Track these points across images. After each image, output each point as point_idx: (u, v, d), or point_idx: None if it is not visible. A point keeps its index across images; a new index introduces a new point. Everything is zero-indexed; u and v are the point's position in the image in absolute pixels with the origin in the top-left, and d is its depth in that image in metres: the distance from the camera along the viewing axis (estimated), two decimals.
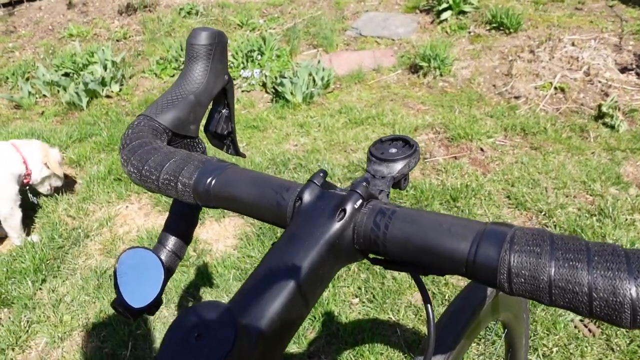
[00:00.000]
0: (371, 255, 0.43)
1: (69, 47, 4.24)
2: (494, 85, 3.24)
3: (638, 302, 0.29)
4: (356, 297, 1.91)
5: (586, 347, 1.64)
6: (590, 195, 2.26)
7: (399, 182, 0.51)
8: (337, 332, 1.77)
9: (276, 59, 3.73)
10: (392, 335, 1.74)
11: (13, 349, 1.88)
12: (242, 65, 3.71)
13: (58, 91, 3.60)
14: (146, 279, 0.59)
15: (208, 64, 0.61)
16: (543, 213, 2.17)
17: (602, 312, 0.31)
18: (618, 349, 1.64)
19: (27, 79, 3.87)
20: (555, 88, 3.07)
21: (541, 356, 1.63)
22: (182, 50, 3.92)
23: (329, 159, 2.64)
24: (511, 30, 3.72)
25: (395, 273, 1.95)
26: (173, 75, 3.86)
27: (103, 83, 3.59)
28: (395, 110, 3.06)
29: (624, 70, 3.19)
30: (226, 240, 2.24)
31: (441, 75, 3.37)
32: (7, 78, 3.96)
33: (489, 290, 0.81)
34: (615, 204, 2.16)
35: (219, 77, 0.62)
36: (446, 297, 1.82)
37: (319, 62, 3.44)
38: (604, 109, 2.78)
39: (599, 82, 3.06)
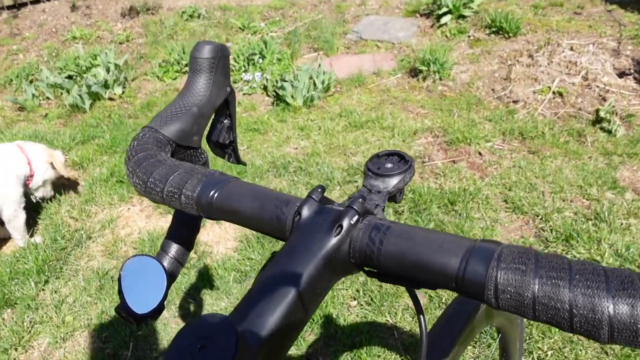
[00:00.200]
0: (366, 268, 0.44)
1: (72, 50, 4.27)
2: (492, 90, 3.26)
3: (615, 319, 0.31)
4: (354, 299, 1.94)
5: (580, 350, 1.67)
6: (587, 200, 2.28)
7: (394, 196, 0.53)
8: (335, 334, 1.80)
9: (277, 63, 3.76)
10: (389, 338, 1.77)
11: (16, 349, 1.91)
12: (243, 68, 3.74)
13: (61, 93, 3.63)
14: (149, 285, 0.60)
15: (211, 76, 0.63)
16: (540, 217, 2.20)
17: (582, 328, 0.33)
18: (612, 352, 1.66)
19: (31, 82, 3.91)
20: (554, 92, 3.09)
21: (536, 359, 1.66)
22: (184, 53, 3.95)
23: (329, 162, 2.67)
24: (510, 34, 3.74)
25: None
26: (175, 78, 3.89)
27: (106, 86, 3.62)
28: (395, 114, 3.09)
29: (622, 75, 3.21)
30: (227, 243, 2.27)
31: (440, 79, 3.40)
32: (12, 80, 3.99)
33: None
34: (611, 208, 2.18)
35: (221, 89, 0.64)
36: (443, 301, 1.85)
37: (319, 65, 3.47)
38: (601, 113, 2.80)
39: (597, 86, 3.08)
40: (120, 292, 0.57)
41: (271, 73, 3.62)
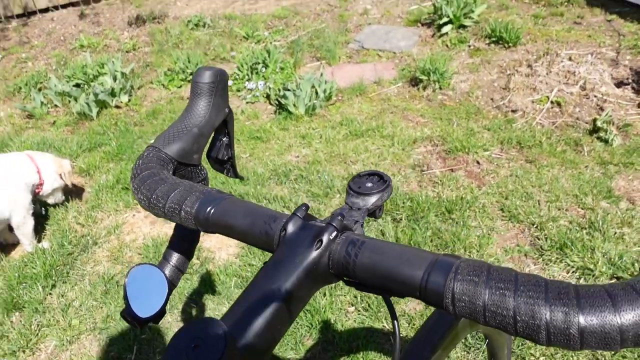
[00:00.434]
0: (345, 278, 0.49)
1: (80, 58, 4.36)
2: (491, 99, 3.31)
3: (551, 324, 0.36)
4: (352, 305, 1.99)
5: (572, 356, 1.71)
6: (582, 209, 2.33)
7: (374, 212, 0.58)
8: (332, 339, 1.85)
9: (280, 71, 3.82)
10: (385, 343, 1.82)
11: (24, 351, 1.97)
12: (246, 77, 3.81)
13: (69, 101, 3.71)
14: (152, 291, 0.66)
15: (211, 99, 0.68)
16: (535, 225, 2.24)
17: (524, 332, 0.37)
18: (603, 358, 1.70)
19: (40, 89, 3.99)
20: (552, 102, 3.14)
21: None
22: (189, 61, 4.02)
23: (329, 170, 2.72)
24: (510, 44, 3.80)
25: None
26: (180, 86, 3.96)
27: (112, 94, 3.69)
28: (395, 123, 3.14)
29: (619, 84, 3.25)
30: (228, 249, 2.33)
31: (440, 88, 3.45)
32: (20, 88, 4.08)
33: None
34: (606, 217, 2.23)
35: (220, 110, 0.70)
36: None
37: (321, 74, 3.53)
38: (598, 123, 2.85)
39: (595, 96, 3.13)
40: (125, 297, 0.63)
41: (274, 82, 3.68)
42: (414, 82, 3.57)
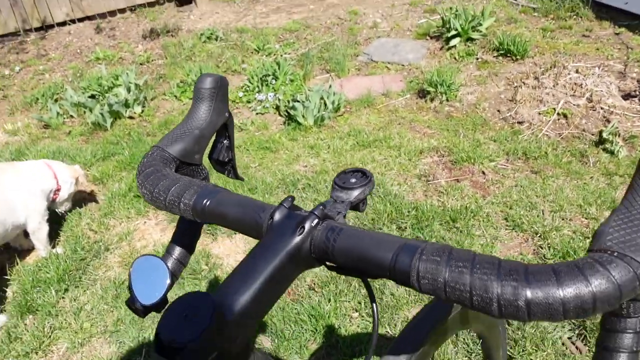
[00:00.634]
0: (328, 263, 0.55)
1: (96, 70, 4.47)
2: (498, 111, 3.35)
3: (501, 297, 0.40)
4: (356, 311, 2.02)
5: None
6: (586, 219, 2.35)
7: (357, 206, 0.63)
8: (336, 344, 1.88)
9: (290, 83, 3.89)
10: (384, 347, 1.84)
11: (37, 353, 2.03)
12: (257, 88, 3.88)
13: (84, 112, 3.80)
14: (155, 281, 0.71)
15: (211, 104, 0.74)
16: (538, 235, 2.27)
17: (479, 305, 0.41)
18: None
19: (56, 100, 4.10)
20: (558, 114, 3.17)
21: None
22: (201, 74, 4.10)
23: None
24: (518, 56, 3.84)
25: (394, 290, 2.05)
26: (192, 98, 4.04)
27: (126, 105, 3.78)
28: (402, 134, 3.19)
29: (627, 97, 3.28)
30: (236, 256, 2.38)
31: (447, 100, 3.50)
32: (37, 99, 4.19)
33: None
34: None
35: (220, 114, 0.76)
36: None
37: (330, 86, 3.60)
38: (604, 134, 2.87)
39: (602, 108, 3.15)
40: (130, 286, 0.68)
41: (284, 93, 3.75)
42: (422, 94, 3.62)
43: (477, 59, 3.99)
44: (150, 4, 5.93)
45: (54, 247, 2.52)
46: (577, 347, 1.80)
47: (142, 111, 3.86)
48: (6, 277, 2.39)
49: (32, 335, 2.08)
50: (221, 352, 0.44)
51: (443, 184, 2.69)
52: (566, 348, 1.79)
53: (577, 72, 3.47)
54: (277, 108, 3.69)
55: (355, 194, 0.60)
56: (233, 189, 2.75)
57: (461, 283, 0.42)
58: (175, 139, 0.72)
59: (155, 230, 2.61)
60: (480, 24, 4.14)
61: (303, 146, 3.19)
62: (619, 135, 2.87)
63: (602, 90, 3.28)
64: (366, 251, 0.48)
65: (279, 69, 3.96)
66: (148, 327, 2.07)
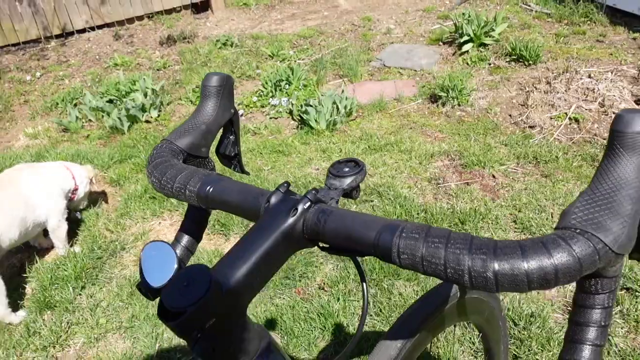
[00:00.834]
0: (320, 244, 0.59)
1: (114, 76, 4.57)
2: (510, 115, 3.37)
3: (472, 269, 0.43)
4: None
5: None
6: None
7: (350, 193, 0.67)
8: (344, 342, 1.92)
9: (303, 88, 3.95)
10: None
11: (54, 347, 2.09)
12: (271, 93, 3.95)
13: (102, 116, 3.90)
14: (163, 265, 0.75)
15: (218, 101, 0.79)
16: None
17: (452, 277, 0.45)
18: None
19: (75, 105, 4.20)
20: (570, 118, 3.18)
21: None
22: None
23: None
24: (530, 62, 3.85)
25: (402, 290, 2.09)
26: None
27: (143, 109, 3.87)
28: (413, 138, 3.22)
29: (639, 101, 3.27)
30: None
31: (459, 105, 3.52)
32: (57, 104, 4.30)
33: (453, 290, 0.95)
34: None
35: (226, 110, 0.81)
36: None
37: (342, 91, 3.65)
38: None
39: (614, 113, 3.15)
40: (140, 270, 0.73)
41: (297, 98, 3.81)
42: (433, 98, 3.65)
43: (490, 64, 4.01)
44: (168, 11, 6.05)
45: (72, 245, 2.60)
46: None
47: (159, 115, 3.94)
48: (25, 274, 2.46)
49: (50, 330, 2.14)
50: (218, 319, 0.48)
51: (453, 187, 2.71)
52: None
53: (589, 77, 3.47)
54: (291, 112, 3.75)
55: (347, 181, 0.64)
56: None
57: (437, 257, 0.46)
58: (183, 132, 0.77)
59: (170, 230, 2.67)
60: (493, 30, 4.17)
61: (315, 150, 3.24)
62: None
63: (614, 95, 3.28)
64: (353, 231, 0.52)
65: (292, 74, 4.02)
66: (161, 324, 2.12)
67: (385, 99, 3.72)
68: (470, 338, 1.86)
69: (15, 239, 2.22)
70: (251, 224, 0.59)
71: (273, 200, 0.58)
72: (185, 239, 0.82)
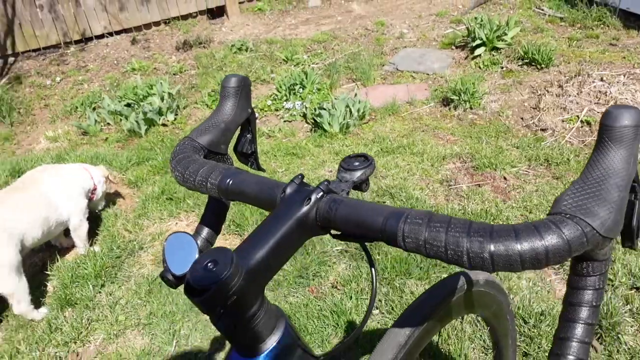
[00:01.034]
0: (333, 232, 0.64)
1: (132, 80, 4.67)
2: (521, 118, 3.39)
3: (470, 251, 0.48)
4: (376, 308, 2.09)
5: None
6: None
7: (359, 186, 0.71)
8: (356, 339, 1.96)
9: (317, 92, 4.01)
10: None
11: (75, 342, 2.16)
12: (285, 97, 4.01)
13: (120, 120, 3.99)
14: (185, 254, 0.80)
15: (236, 101, 0.84)
16: None
17: (452, 258, 0.49)
18: None
19: (94, 109, 4.30)
20: (582, 121, 3.19)
21: None
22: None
23: None
24: (542, 65, 3.87)
25: (414, 289, 2.12)
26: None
27: (160, 113, 3.96)
28: (426, 141, 3.26)
29: None
30: None
31: (471, 108, 3.55)
32: (77, 108, 4.41)
33: (460, 283, 0.99)
34: None
35: (244, 110, 0.86)
36: None
37: (355, 95, 3.70)
38: None
39: None
40: (164, 259, 0.78)
41: (310, 102, 3.87)
42: (446, 102, 3.68)
43: (502, 67, 4.04)
44: (184, 17, 6.15)
45: (91, 245, 2.67)
46: (592, 346, 1.84)
47: (175, 119, 4.03)
48: (47, 272, 2.54)
49: (71, 326, 2.21)
50: (238, 296, 0.53)
51: (464, 188, 2.74)
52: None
53: (601, 80, 3.48)
54: (304, 116, 3.80)
55: (357, 174, 0.69)
56: None
57: (438, 240, 0.50)
58: (204, 130, 0.82)
59: (187, 230, 2.74)
60: (506, 34, 4.19)
61: (329, 152, 3.29)
62: None
63: (626, 98, 3.29)
64: (362, 218, 0.57)
65: (306, 78, 4.08)
66: (179, 321, 2.18)
67: (397, 102, 3.76)
68: (481, 335, 1.89)
69: (38, 238, 2.30)
70: (266, 214, 0.63)
71: (288, 190, 0.63)
72: (205, 231, 0.87)
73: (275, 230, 0.59)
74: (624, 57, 3.90)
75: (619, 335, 1.84)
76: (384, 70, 4.40)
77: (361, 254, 2.35)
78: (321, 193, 0.61)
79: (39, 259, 2.66)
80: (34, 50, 5.50)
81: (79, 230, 2.53)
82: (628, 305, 1.95)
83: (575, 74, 3.61)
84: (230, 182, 0.70)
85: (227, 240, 2.61)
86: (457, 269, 1.75)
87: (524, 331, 1.89)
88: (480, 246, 0.48)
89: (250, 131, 0.91)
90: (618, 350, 1.80)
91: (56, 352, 2.12)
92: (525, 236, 0.47)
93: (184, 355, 2.04)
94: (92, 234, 2.72)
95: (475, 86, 3.61)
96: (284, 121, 3.81)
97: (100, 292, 2.40)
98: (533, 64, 3.94)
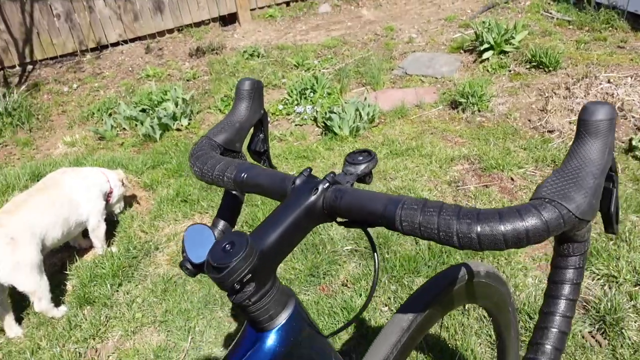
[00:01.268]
0: (338, 220, 0.70)
1: (146, 87, 4.78)
2: (529, 120, 3.43)
3: (459, 232, 0.53)
4: (386, 305, 2.15)
5: (591, 355, 1.81)
6: None
7: (363, 178, 0.78)
8: (366, 334, 2.02)
9: (327, 96, 4.08)
10: None
11: (94, 339, 2.24)
12: (296, 102, 4.08)
13: (136, 125, 4.09)
14: (203, 244, 0.86)
15: (250, 102, 0.91)
16: None
17: (444, 239, 0.55)
18: (622, 358, 1.79)
19: (110, 114, 4.41)
20: None
21: None
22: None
23: (370, 186, 2.91)
24: (550, 68, 3.91)
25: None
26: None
27: (174, 118, 4.05)
28: (434, 143, 3.31)
29: None
30: None
31: (479, 110, 3.60)
32: (93, 113, 4.52)
33: (461, 273, 1.05)
34: (633, 229, 2.30)
35: (257, 111, 0.93)
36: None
37: (365, 98, 3.76)
38: (634, 142, 2.92)
39: (633, 117, 3.19)
40: (183, 249, 0.84)
41: (321, 106, 3.94)
42: (454, 105, 3.73)
43: (510, 71, 4.08)
44: (197, 24, 6.26)
45: (109, 245, 2.76)
46: (597, 341, 1.88)
47: (189, 124, 4.12)
48: (66, 272, 2.63)
49: (90, 323, 2.29)
50: (253, 274, 0.59)
51: (472, 189, 2.79)
52: (586, 341, 1.87)
53: (609, 82, 3.52)
54: (315, 120, 3.88)
55: (361, 167, 0.75)
56: None
57: (431, 223, 0.56)
58: (220, 130, 0.90)
59: None
60: (513, 37, 4.24)
61: (339, 155, 3.35)
62: None
63: (634, 100, 3.32)
64: (364, 205, 0.63)
65: (317, 83, 4.16)
66: (194, 318, 2.25)
67: (406, 105, 3.82)
68: (487, 331, 1.94)
69: (58, 238, 2.39)
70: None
71: (298, 182, 0.70)
72: (221, 223, 0.94)
73: (286, 217, 0.65)
74: (632, 59, 3.93)
75: (623, 331, 1.88)
76: (393, 74, 4.46)
77: (370, 254, 2.41)
78: (327, 184, 0.67)
79: (58, 260, 2.75)
80: (51, 58, 5.64)
81: (97, 230, 2.62)
82: (632, 302, 1.98)
83: (583, 76, 3.65)
84: (245, 175, 0.76)
85: None
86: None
87: (528, 327, 1.94)
88: (468, 228, 0.53)
89: (262, 131, 0.97)
90: (622, 345, 1.84)
91: (76, 348, 2.20)
92: (509, 218, 0.52)
93: (199, 350, 2.11)
94: (109, 235, 2.81)
95: (483, 89, 3.66)
96: (295, 125, 3.88)
97: (117, 291, 2.48)
98: (541, 66, 3.98)
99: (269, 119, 3.93)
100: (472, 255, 2.30)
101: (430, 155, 3.17)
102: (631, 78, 3.55)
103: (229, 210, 0.96)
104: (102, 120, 4.28)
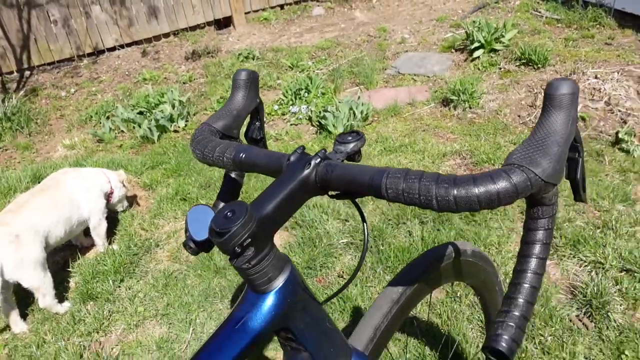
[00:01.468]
0: (330, 193, 0.77)
1: (143, 90, 4.85)
2: (519, 116, 3.51)
3: (438, 195, 0.60)
4: None
5: (578, 337, 1.88)
6: (598, 211, 2.49)
7: (353, 156, 0.84)
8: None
9: (321, 96, 4.16)
10: (409, 327, 2.04)
11: (97, 332, 2.30)
12: (291, 102, 4.16)
13: (134, 127, 4.16)
14: (204, 224, 0.92)
15: (246, 91, 0.98)
16: None
17: (425, 202, 0.62)
18: (607, 339, 1.87)
19: (108, 117, 4.47)
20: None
21: (537, 343, 1.88)
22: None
23: None
24: (539, 65, 3.99)
25: None
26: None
27: (171, 119, 4.12)
28: (426, 139, 3.39)
29: None
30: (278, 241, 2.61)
31: (470, 107, 3.68)
32: (92, 117, 4.58)
33: (448, 251, 1.12)
34: (620, 218, 2.38)
35: (252, 100, 1.00)
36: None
37: (359, 97, 3.84)
38: (620, 134, 3.00)
39: (619, 111, 3.28)
40: (186, 228, 0.91)
41: (315, 105, 4.01)
42: (446, 102, 3.82)
43: (500, 68, 4.16)
44: (192, 28, 6.34)
45: (110, 243, 2.82)
46: (583, 324, 1.95)
47: (186, 125, 4.19)
48: (69, 270, 2.69)
49: (94, 318, 2.36)
50: (252, 239, 0.66)
51: None
52: (573, 324, 1.94)
53: (596, 77, 3.60)
54: (310, 119, 3.95)
55: (350, 146, 0.82)
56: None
57: (413, 189, 0.63)
58: (219, 117, 0.96)
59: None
60: (503, 36, 4.33)
61: None
62: (634, 135, 3.00)
63: (620, 94, 3.41)
64: (353, 177, 0.70)
65: (311, 83, 4.23)
66: (195, 311, 2.32)
67: (399, 104, 3.90)
68: (479, 316, 2.01)
69: (61, 236, 2.45)
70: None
71: (292, 158, 0.77)
72: (222, 205, 1.01)
73: (282, 189, 0.72)
74: (619, 55, 4.01)
75: (609, 314, 1.95)
76: (386, 74, 4.54)
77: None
78: (319, 159, 0.74)
79: (60, 258, 2.81)
80: (49, 64, 5.70)
81: (98, 228, 2.68)
82: (617, 286, 2.06)
83: (571, 73, 3.73)
84: (243, 155, 0.83)
85: None
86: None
87: None
88: (446, 191, 0.60)
89: (258, 119, 1.04)
90: (607, 327, 1.91)
91: (80, 342, 2.26)
92: (482, 182, 0.59)
93: (201, 341, 2.17)
94: (110, 234, 2.87)
95: (474, 86, 3.74)
96: (291, 124, 3.96)
97: (119, 287, 2.54)
98: (530, 64, 4.06)
99: (264, 119, 4.01)
100: None
101: (422, 151, 3.25)
102: (618, 73, 3.64)
103: (229, 192, 1.02)
104: (100, 123, 4.34)
